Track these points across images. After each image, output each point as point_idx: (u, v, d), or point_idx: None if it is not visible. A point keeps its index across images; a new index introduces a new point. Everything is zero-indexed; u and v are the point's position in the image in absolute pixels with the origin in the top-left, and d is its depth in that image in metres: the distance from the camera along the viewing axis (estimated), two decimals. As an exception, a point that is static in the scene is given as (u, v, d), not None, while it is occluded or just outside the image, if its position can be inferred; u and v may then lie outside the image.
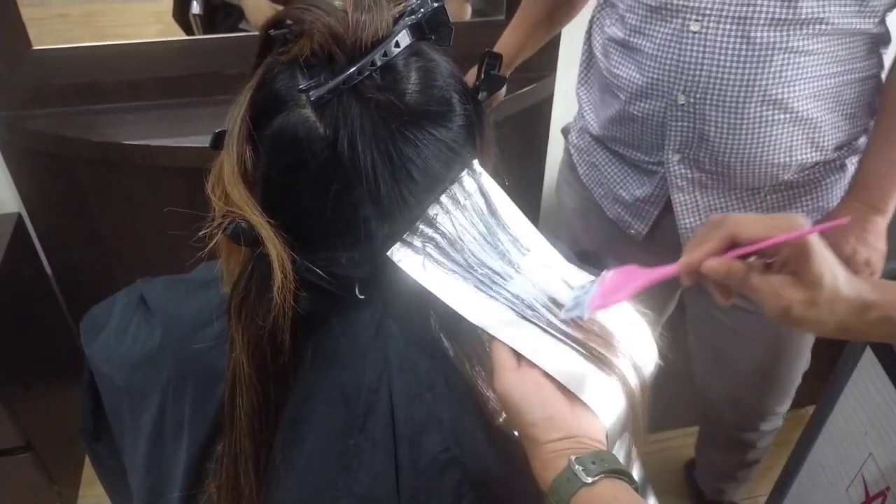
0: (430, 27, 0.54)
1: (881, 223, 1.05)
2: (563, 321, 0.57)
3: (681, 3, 0.96)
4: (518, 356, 0.55)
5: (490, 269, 0.57)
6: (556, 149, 1.79)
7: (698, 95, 0.99)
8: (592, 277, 0.60)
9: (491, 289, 0.57)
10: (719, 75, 0.97)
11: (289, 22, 0.55)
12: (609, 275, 0.59)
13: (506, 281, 0.57)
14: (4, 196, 1.57)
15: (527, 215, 0.60)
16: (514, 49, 1.24)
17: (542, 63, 1.54)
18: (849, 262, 1.05)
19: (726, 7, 0.93)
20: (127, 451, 0.71)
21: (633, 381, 0.58)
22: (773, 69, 0.95)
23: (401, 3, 0.55)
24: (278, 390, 0.59)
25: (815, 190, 1.10)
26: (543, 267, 0.59)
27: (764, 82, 0.96)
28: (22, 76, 1.41)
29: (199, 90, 1.44)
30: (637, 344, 0.62)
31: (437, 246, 0.56)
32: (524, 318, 0.57)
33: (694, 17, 0.96)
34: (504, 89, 1.37)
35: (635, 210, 1.18)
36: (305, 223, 0.56)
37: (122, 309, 0.70)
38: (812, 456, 1.26)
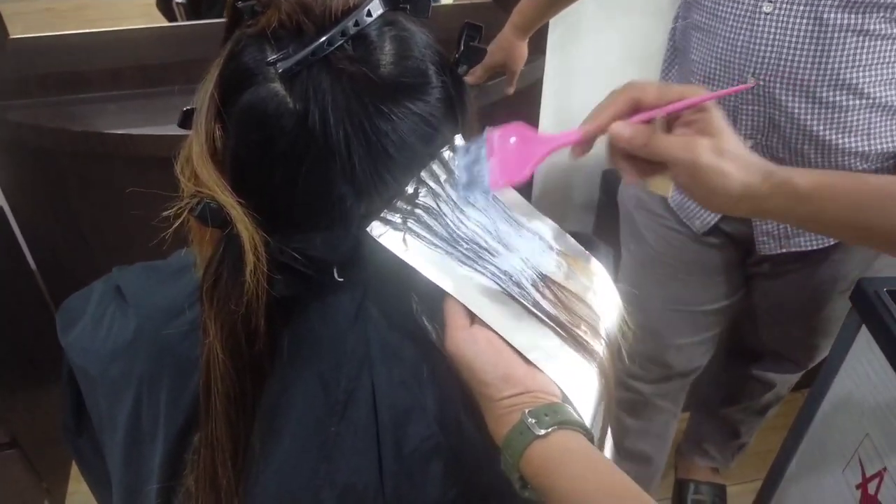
0: None
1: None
2: (549, 301, 0.55)
3: None
4: (471, 315, 0.54)
5: (475, 244, 0.55)
6: (547, 133, 1.78)
7: (768, 77, 0.98)
8: (581, 248, 0.59)
9: (476, 263, 0.55)
10: (790, 57, 0.96)
11: None
12: (495, 138, 0.56)
13: (493, 256, 0.56)
14: (-16, 189, 1.55)
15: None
16: (537, 11, 1.24)
17: (532, 47, 1.52)
18: None
19: None
20: (106, 445, 0.70)
21: (609, 365, 0.57)
22: (845, 52, 0.94)
23: None
24: (255, 378, 0.57)
25: None
26: (534, 241, 0.57)
27: (836, 65, 0.94)
28: (-1, 65, 1.39)
29: (181, 78, 1.42)
30: (612, 320, 0.61)
31: (419, 221, 0.54)
32: (510, 295, 0.55)
33: None
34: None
35: None
36: (278, 203, 0.54)
37: (97, 299, 0.68)
38: (808, 438, 1.26)
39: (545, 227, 0.59)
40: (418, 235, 0.54)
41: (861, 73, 0.95)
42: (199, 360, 0.56)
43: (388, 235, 0.53)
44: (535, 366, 0.53)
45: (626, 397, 1.45)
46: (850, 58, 0.94)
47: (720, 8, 1.02)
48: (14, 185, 1.53)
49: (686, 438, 1.76)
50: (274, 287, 0.53)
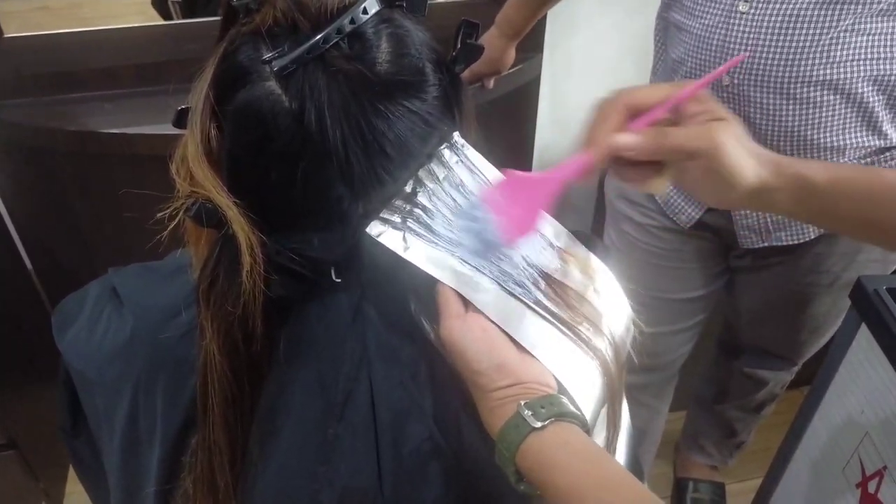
0: None
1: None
2: (551, 300, 0.55)
3: None
4: (465, 302, 0.53)
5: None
6: (544, 130, 1.77)
7: (742, 76, 0.98)
8: (584, 249, 0.58)
9: (477, 262, 0.55)
10: (763, 55, 0.96)
11: None
12: (494, 195, 0.55)
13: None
14: (-20, 190, 1.54)
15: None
16: (524, 17, 1.24)
17: (529, 44, 1.52)
18: None
19: None
20: (104, 447, 0.69)
21: (613, 364, 0.57)
22: (819, 49, 0.93)
23: None
24: (252, 380, 0.57)
25: None
26: (534, 239, 0.57)
27: (810, 62, 0.94)
28: (-7, 65, 1.39)
29: (177, 76, 1.41)
30: (617, 319, 0.60)
31: (418, 220, 0.54)
32: (511, 294, 0.54)
33: None
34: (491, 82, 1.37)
35: (688, 194, 1.16)
36: (274, 203, 0.53)
37: (93, 300, 0.68)
38: (808, 436, 1.25)
39: (545, 224, 0.59)
40: (418, 235, 0.54)
41: (836, 70, 0.95)
42: (196, 361, 0.56)
43: (388, 235, 0.53)
44: (529, 354, 0.53)
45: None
46: (825, 55, 0.94)
47: (697, 7, 1.02)
48: (10, 186, 1.52)
49: (684, 436, 1.76)
50: (271, 288, 0.53)
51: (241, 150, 0.52)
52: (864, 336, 1.07)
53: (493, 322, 0.53)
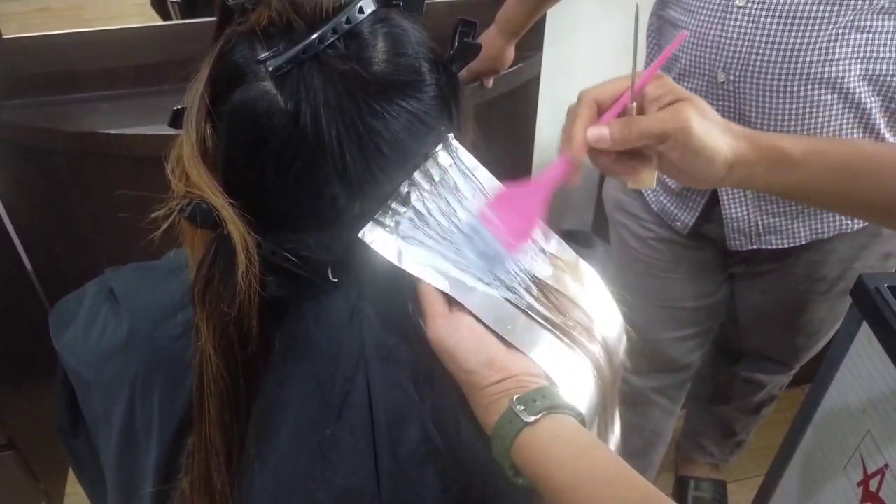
0: None
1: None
2: (543, 304, 0.55)
3: None
4: (449, 302, 0.53)
5: (468, 248, 0.55)
6: (544, 129, 1.77)
7: (738, 73, 0.97)
8: (574, 254, 0.58)
9: (471, 267, 0.54)
10: (760, 52, 0.95)
11: None
12: (492, 207, 0.55)
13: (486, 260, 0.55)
14: (-21, 191, 1.54)
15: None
16: (524, 14, 1.23)
17: (529, 42, 1.51)
18: None
19: None
20: (101, 447, 0.69)
21: (606, 367, 0.57)
22: (817, 46, 0.92)
23: None
24: (248, 381, 0.57)
25: None
26: (531, 250, 0.57)
27: (808, 59, 0.93)
28: (-8, 65, 1.38)
29: (176, 77, 1.40)
30: (609, 323, 0.60)
31: (413, 225, 0.53)
32: (504, 299, 0.54)
33: None
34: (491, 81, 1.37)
35: (682, 200, 1.16)
36: (270, 203, 0.53)
37: (91, 300, 0.68)
38: (809, 434, 1.25)
39: (537, 231, 0.59)
40: (412, 240, 0.53)
41: (833, 68, 0.94)
42: (192, 361, 0.56)
43: (381, 241, 0.53)
44: (516, 349, 0.53)
45: (620, 390, 1.45)
46: (823, 52, 0.93)
47: (693, 3, 1.01)
48: (9, 186, 1.52)
49: (684, 435, 1.76)
50: (266, 288, 0.53)
51: (237, 151, 0.51)
52: (864, 334, 1.07)
53: (481, 322, 0.53)
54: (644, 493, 0.46)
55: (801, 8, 0.92)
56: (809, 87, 0.95)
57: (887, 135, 1.00)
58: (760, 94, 0.98)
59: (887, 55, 0.93)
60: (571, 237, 0.65)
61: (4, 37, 1.39)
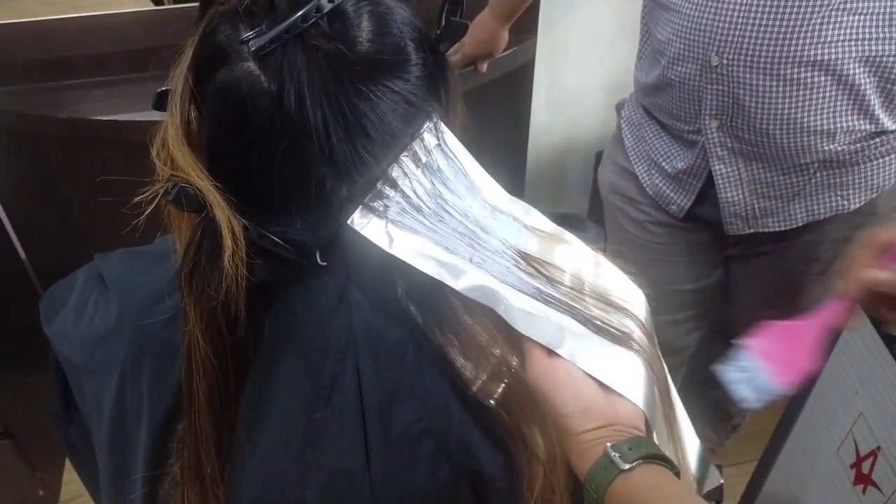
0: None
1: None
2: (533, 276, 0.55)
3: None
4: (549, 350, 0.53)
5: (456, 230, 0.54)
6: (539, 113, 1.76)
7: (731, 56, 0.97)
8: (576, 238, 0.58)
9: (461, 247, 0.54)
10: (753, 35, 0.95)
11: None
12: (759, 345, 0.55)
13: (474, 240, 0.55)
14: (-28, 179, 1.54)
15: (512, 182, 0.58)
16: None
17: (523, 26, 1.50)
18: None
19: None
20: (94, 433, 0.69)
21: (652, 354, 0.57)
22: (810, 28, 0.92)
23: None
24: (237, 365, 0.56)
25: (868, 167, 1.06)
26: (508, 223, 0.56)
27: (801, 42, 0.93)
28: (-18, 52, 1.38)
29: (168, 63, 1.40)
30: (637, 304, 0.60)
31: (402, 209, 0.53)
32: (503, 281, 0.54)
33: None
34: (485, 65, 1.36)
35: (677, 183, 1.16)
36: (256, 186, 0.52)
37: (81, 286, 0.67)
38: (802, 418, 1.25)
39: (518, 208, 0.58)
40: (401, 224, 0.53)
41: (827, 50, 0.93)
42: (181, 346, 0.56)
43: (371, 227, 0.52)
44: (615, 393, 0.53)
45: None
46: (817, 34, 0.92)
47: None
48: (1, 173, 1.51)
49: None
50: (254, 272, 0.53)
51: (221, 132, 0.51)
52: (858, 316, 1.07)
53: (540, 345, 0.53)
54: None
55: None
56: (803, 69, 0.95)
57: (882, 115, 1.00)
58: (754, 77, 0.97)
59: (881, 35, 0.92)
60: (565, 220, 0.65)
61: (-6, 23, 1.39)
